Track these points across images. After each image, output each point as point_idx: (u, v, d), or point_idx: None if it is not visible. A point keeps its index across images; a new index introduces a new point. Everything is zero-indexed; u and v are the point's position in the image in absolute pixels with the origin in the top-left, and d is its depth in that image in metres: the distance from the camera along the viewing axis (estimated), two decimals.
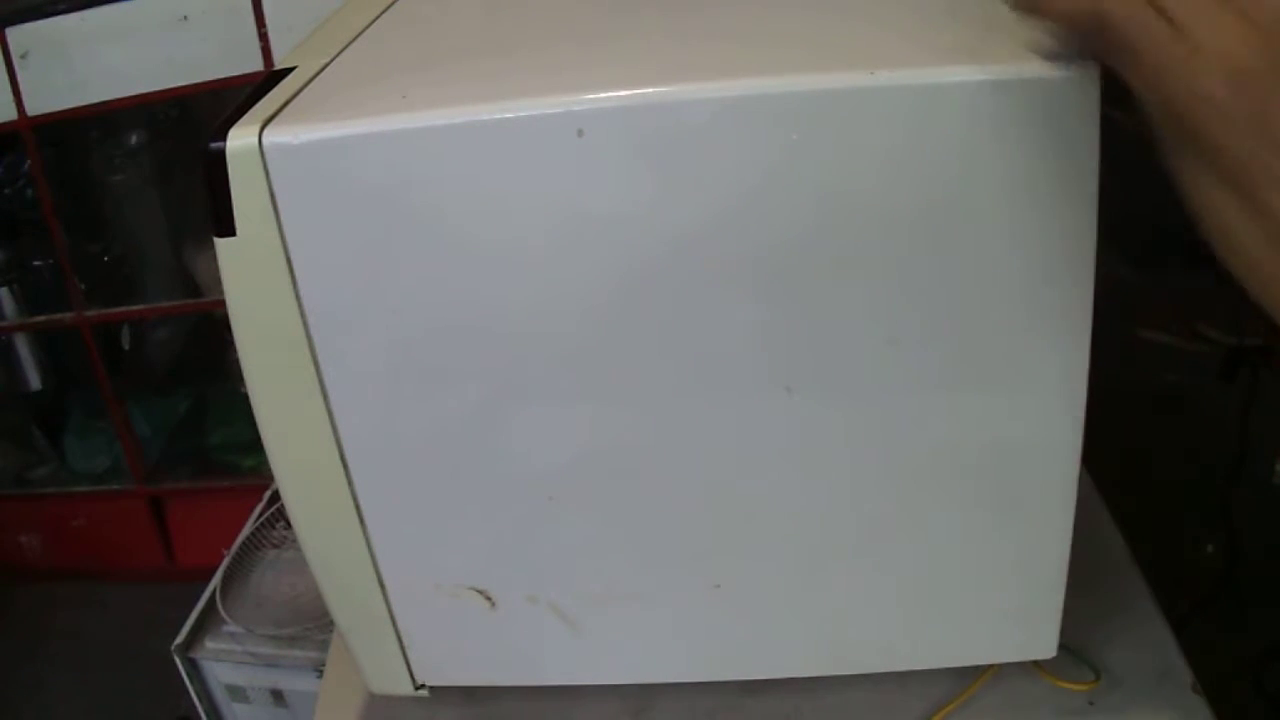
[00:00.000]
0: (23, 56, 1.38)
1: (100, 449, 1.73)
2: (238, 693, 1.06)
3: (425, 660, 0.56)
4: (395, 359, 0.46)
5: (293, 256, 0.44)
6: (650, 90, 0.40)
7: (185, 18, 1.34)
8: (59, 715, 1.58)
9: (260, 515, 1.09)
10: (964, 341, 0.44)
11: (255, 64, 1.35)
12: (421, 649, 0.56)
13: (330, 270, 0.44)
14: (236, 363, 0.46)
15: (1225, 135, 0.30)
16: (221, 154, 0.42)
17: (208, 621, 1.04)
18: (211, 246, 0.44)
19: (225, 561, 1.05)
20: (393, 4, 0.58)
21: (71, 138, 1.53)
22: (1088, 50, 0.37)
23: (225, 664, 1.03)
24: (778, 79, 0.40)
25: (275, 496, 1.09)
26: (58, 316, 1.60)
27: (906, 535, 0.50)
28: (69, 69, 1.39)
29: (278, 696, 1.05)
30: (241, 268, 0.44)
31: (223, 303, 0.45)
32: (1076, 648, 0.55)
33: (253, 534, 1.07)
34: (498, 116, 0.41)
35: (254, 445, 0.51)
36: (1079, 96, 0.39)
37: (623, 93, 0.40)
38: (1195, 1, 0.30)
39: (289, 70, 0.49)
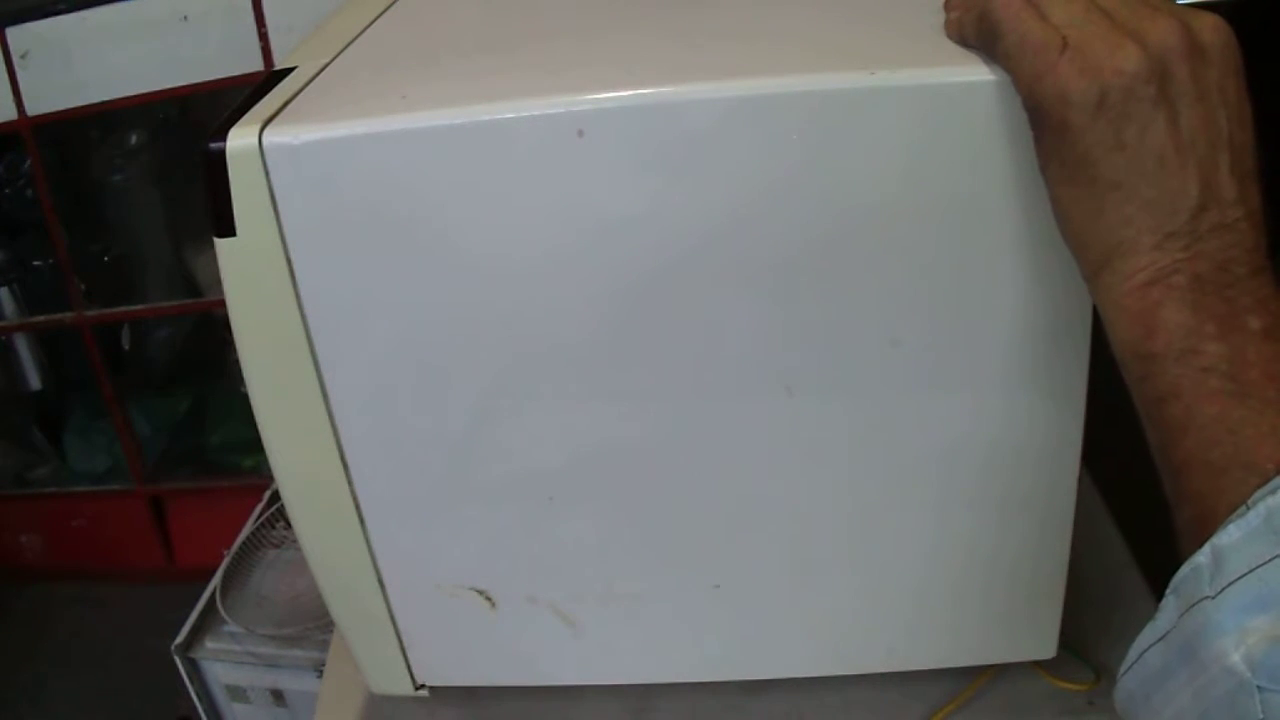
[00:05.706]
0: (23, 56, 1.38)
1: (100, 449, 1.73)
2: (238, 693, 1.06)
3: (425, 660, 0.56)
4: (395, 359, 0.46)
5: (293, 256, 0.44)
6: (650, 90, 0.40)
7: (185, 18, 1.34)
8: (59, 715, 1.58)
9: (260, 515, 1.09)
10: (965, 342, 0.44)
11: (255, 64, 1.35)
12: (421, 649, 0.56)
13: (330, 270, 0.44)
14: (236, 363, 0.46)
15: (1083, 133, 0.34)
16: (221, 154, 0.42)
17: (208, 621, 1.04)
18: (211, 246, 0.44)
19: (225, 561, 1.05)
20: (393, 4, 0.58)
21: (71, 138, 1.53)
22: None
23: (225, 664, 1.04)
24: (781, 79, 0.40)
25: (275, 496, 1.09)
26: (58, 316, 1.59)
27: (906, 536, 0.50)
28: (69, 69, 1.39)
29: (278, 696, 1.06)
30: (241, 268, 0.44)
31: (223, 303, 0.45)
32: (1076, 648, 0.55)
33: (253, 534, 1.07)
34: (497, 117, 0.41)
35: (254, 445, 0.51)
36: None
37: (623, 93, 0.40)
38: (1094, 26, 0.34)
39: (289, 70, 0.49)
